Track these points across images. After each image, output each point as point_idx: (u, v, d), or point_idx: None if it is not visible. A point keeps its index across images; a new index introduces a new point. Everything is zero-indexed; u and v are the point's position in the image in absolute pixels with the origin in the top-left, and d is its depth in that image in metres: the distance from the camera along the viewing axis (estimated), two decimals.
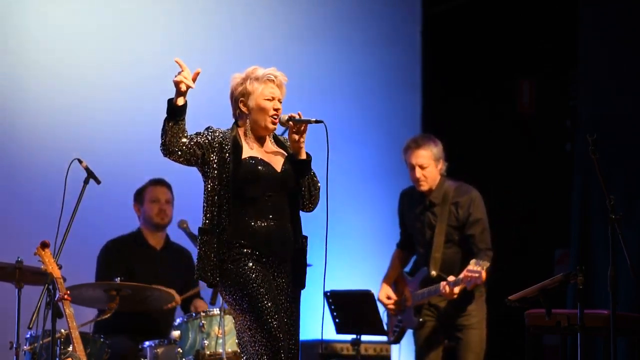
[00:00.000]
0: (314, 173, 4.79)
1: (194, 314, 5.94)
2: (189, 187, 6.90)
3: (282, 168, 4.72)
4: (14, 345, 5.31)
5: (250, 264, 4.58)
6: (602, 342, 6.23)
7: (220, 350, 5.74)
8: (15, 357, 5.29)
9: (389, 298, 6.47)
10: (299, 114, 4.69)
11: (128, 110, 7.44)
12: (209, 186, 4.62)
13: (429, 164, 6.26)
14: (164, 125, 4.53)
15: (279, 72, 4.75)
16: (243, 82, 4.72)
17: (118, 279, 5.93)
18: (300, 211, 4.78)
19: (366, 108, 8.14)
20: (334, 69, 8.05)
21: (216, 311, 5.85)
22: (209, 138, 4.64)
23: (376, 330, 6.51)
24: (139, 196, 6.67)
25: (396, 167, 6.65)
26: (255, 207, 4.64)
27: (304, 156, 4.73)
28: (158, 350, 5.97)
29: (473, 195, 6.30)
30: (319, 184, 4.79)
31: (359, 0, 8.37)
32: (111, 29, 7.48)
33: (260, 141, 4.77)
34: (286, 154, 4.78)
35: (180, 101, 4.50)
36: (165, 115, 4.53)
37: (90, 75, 7.38)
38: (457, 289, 6.05)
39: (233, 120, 4.82)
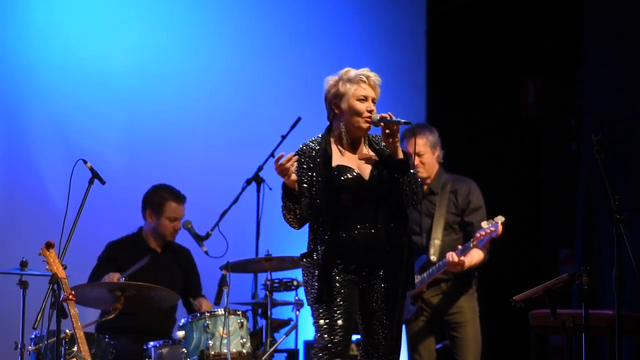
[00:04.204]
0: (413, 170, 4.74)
1: (198, 314, 5.93)
2: (194, 188, 6.92)
3: (370, 175, 4.68)
4: (19, 346, 5.30)
5: (337, 279, 4.58)
6: (607, 342, 6.22)
7: (225, 351, 5.73)
8: (20, 357, 5.29)
9: None
10: (389, 115, 4.65)
11: (133, 111, 7.44)
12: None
13: (425, 151, 6.27)
14: (288, 208, 4.60)
15: (372, 72, 4.72)
16: (336, 84, 4.70)
17: (123, 279, 5.91)
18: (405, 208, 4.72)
19: None
20: (339, 68, 8.03)
21: (221, 311, 5.84)
22: (304, 165, 4.65)
23: None
24: (157, 207, 6.54)
25: None
26: (344, 217, 4.61)
27: (400, 155, 4.69)
28: (163, 350, 5.96)
29: (471, 183, 6.33)
30: (420, 180, 4.74)
31: (363, 0, 8.36)
32: (120, 29, 7.48)
33: (354, 145, 4.73)
34: (377, 159, 4.72)
35: (292, 184, 4.54)
36: (286, 200, 4.59)
37: (95, 74, 7.38)
38: (464, 257, 5.99)
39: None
